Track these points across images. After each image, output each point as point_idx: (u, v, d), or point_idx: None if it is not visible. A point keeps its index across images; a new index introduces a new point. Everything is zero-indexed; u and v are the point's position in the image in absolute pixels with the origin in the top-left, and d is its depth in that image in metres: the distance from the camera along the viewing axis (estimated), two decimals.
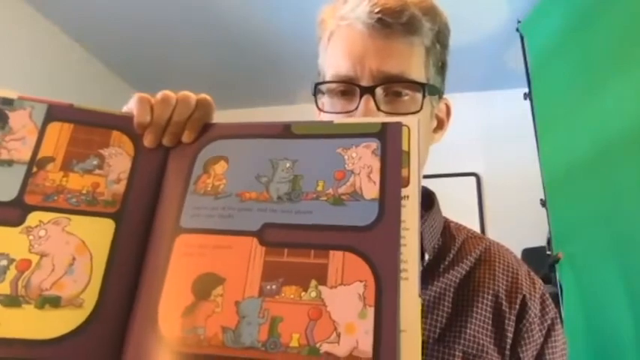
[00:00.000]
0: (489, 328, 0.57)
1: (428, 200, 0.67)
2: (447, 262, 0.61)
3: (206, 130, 0.46)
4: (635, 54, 1.52)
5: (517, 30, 2.26)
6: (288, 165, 0.43)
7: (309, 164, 0.42)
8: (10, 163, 0.43)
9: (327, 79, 0.58)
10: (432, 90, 0.58)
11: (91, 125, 0.46)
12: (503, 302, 0.59)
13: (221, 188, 0.43)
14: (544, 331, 0.60)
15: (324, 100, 0.60)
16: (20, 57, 2.25)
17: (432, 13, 0.58)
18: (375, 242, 0.38)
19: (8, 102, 0.45)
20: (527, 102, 2.19)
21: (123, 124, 0.47)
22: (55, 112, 0.46)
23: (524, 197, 2.43)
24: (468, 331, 0.56)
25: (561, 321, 1.78)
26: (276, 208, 0.41)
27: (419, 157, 0.40)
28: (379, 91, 0.54)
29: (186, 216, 0.42)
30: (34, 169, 0.43)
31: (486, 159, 3.11)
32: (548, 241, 2.03)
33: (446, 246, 0.63)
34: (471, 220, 3.01)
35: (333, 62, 0.58)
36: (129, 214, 0.43)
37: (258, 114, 3.39)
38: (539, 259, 2.22)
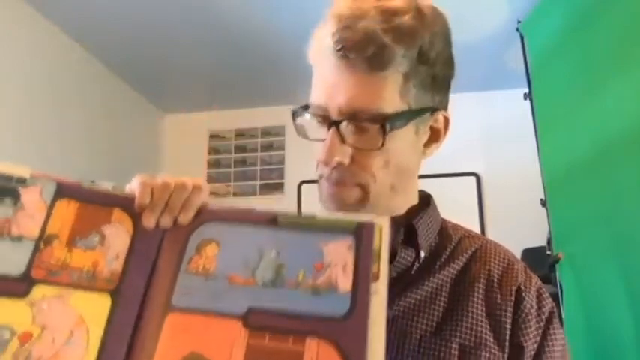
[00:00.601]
0: (485, 320, 0.59)
1: (425, 201, 0.68)
2: (443, 259, 0.62)
3: (199, 212, 0.50)
4: (635, 54, 1.52)
5: (517, 30, 2.26)
6: (273, 254, 0.47)
7: (292, 254, 0.47)
8: (20, 238, 0.47)
9: (310, 103, 0.60)
10: (407, 116, 0.57)
11: (96, 203, 0.50)
12: (498, 295, 0.60)
13: (211, 270, 0.47)
14: (542, 323, 0.61)
15: (310, 123, 0.62)
16: (20, 57, 2.25)
17: (409, 35, 0.55)
18: (346, 333, 0.42)
19: (22, 180, 0.49)
20: (527, 102, 2.19)
21: (125, 203, 0.50)
22: (64, 190, 0.50)
23: (524, 197, 2.43)
24: (464, 324, 0.58)
25: (561, 320, 1.78)
26: (261, 293, 0.45)
27: (388, 254, 0.46)
28: (345, 124, 0.56)
29: (177, 294, 0.46)
30: (42, 246, 0.47)
31: (486, 159, 3.11)
32: (548, 241, 2.03)
33: (443, 244, 0.64)
34: (471, 220, 3.01)
35: (313, 90, 0.60)
36: (125, 291, 0.46)
37: (258, 114, 3.40)
38: (539, 259, 2.22)
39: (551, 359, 0.60)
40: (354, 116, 0.55)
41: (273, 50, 2.70)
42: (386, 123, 0.54)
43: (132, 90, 3.17)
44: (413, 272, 0.60)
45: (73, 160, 2.53)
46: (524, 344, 0.58)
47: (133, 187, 0.51)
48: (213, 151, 3.51)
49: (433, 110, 0.61)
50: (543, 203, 2.01)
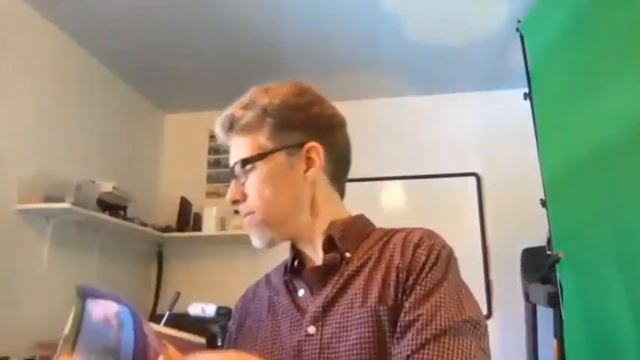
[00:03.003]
0: (387, 286, 0.72)
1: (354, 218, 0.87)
2: (366, 249, 0.80)
3: None
4: (634, 54, 1.52)
5: (517, 30, 2.26)
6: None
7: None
8: None
9: None
10: (258, 157, 0.80)
11: None
12: (400, 264, 0.74)
13: None
14: (428, 266, 0.72)
15: None
16: (21, 58, 2.25)
17: (252, 105, 0.82)
18: None
19: None
20: (527, 102, 2.19)
21: None
22: None
23: (524, 197, 2.43)
24: (375, 292, 0.72)
25: (561, 321, 1.76)
26: None
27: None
28: (235, 171, 0.82)
29: None
30: None
31: (486, 159, 3.11)
32: (548, 241, 2.03)
33: (366, 243, 0.81)
34: (471, 220, 3.01)
35: None
36: None
37: None
38: (539, 259, 2.22)
39: (421, 289, 0.70)
40: (236, 164, 0.81)
41: (273, 50, 2.70)
42: (244, 165, 0.80)
43: (132, 90, 3.17)
44: (341, 267, 0.78)
45: (73, 160, 2.53)
46: (408, 284, 0.71)
47: None
48: (213, 151, 3.50)
49: (300, 145, 0.81)
50: (543, 203, 2.01)
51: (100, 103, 2.84)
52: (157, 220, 3.21)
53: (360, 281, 0.75)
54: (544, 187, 2.02)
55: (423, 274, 0.71)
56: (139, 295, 3.09)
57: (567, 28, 1.91)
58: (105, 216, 2.44)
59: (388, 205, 3.13)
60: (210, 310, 2.27)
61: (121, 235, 2.82)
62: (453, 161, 3.11)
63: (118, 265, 2.88)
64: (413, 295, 0.69)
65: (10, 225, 2.12)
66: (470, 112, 3.21)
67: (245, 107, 0.83)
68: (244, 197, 0.81)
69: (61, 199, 2.18)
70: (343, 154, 0.88)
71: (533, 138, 2.12)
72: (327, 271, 0.78)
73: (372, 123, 3.20)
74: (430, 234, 0.77)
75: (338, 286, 0.76)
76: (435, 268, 0.71)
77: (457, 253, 0.76)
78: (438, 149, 3.14)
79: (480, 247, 2.95)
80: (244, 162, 0.80)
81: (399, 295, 0.71)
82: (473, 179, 3.09)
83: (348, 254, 0.79)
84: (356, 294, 0.73)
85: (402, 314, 0.68)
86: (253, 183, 0.80)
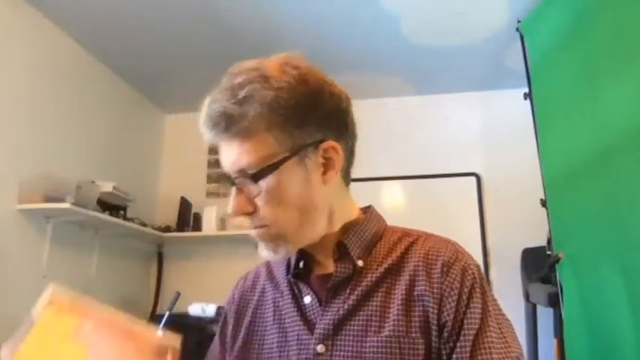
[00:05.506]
0: (406, 311, 0.67)
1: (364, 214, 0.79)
2: (380, 257, 0.73)
3: None
4: (634, 54, 1.52)
5: (517, 30, 2.26)
6: None
7: None
8: None
9: None
10: (273, 164, 0.66)
11: None
12: (423, 283, 0.68)
13: None
14: (464, 297, 0.67)
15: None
16: (22, 58, 2.25)
17: (254, 101, 0.66)
18: None
19: None
20: (527, 102, 2.19)
21: None
22: None
23: (524, 197, 2.43)
24: (391, 316, 0.67)
25: (561, 322, 1.76)
26: None
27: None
28: (239, 180, 0.68)
29: None
30: None
31: (486, 159, 3.11)
32: (548, 241, 2.03)
33: (381, 246, 0.75)
34: (471, 220, 3.01)
35: None
36: None
37: None
38: (539, 259, 2.22)
39: (467, 330, 0.65)
40: (239, 173, 0.68)
41: (273, 50, 2.69)
42: (256, 179, 0.67)
43: (132, 90, 3.16)
44: (354, 278, 0.71)
45: (73, 160, 2.53)
46: (446, 319, 0.66)
47: None
48: (213, 151, 3.49)
49: (316, 145, 0.69)
50: (543, 203, 2.01)
51: (100, 103, 2.84)
52: (156, 220, 3.21)
53: (376, 302, 0.69)
54: (544, 187, 2.02)
55: (461, 312, 0.66)
56: (139, 295, 3.09)
57: (567, 28, 1.91)
58: (105, 216, 2.44)
59: (388, 205, 3.12)
60: (210, 310, 2.27)
61: (121, 235, 2.82)
62: (453, 161, 3.10)
63: (118, 265, 2.88)
64: (459, 344, 0.64)
65: (10, 225, 2.12)
66: (470, 112, 3.21)
67: (242, 102, 0.66)
68: (256, 209, 0.69)
69: (61, 199, 2.18)
70: (354, 143, 0.76)
71: (533, 138, 2.12)
72: (338, 282, 0.71)
73: (371, 123, 3.20)
74: (457, 253, 0.71)
75: (351, 302, 0.69)
76: (472, 301, 0.66)
77: None
78: (437, 149, 3.14)
79: (480, 247, 2.94)
80: (256, 176, 0.66)
81: (433, 330, 0.66)
82: (473, 179, 3.09)
83: (360, 262, 0.72)
84: (371, 316, 0.68)
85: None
86: (265, 195, 0.67)
